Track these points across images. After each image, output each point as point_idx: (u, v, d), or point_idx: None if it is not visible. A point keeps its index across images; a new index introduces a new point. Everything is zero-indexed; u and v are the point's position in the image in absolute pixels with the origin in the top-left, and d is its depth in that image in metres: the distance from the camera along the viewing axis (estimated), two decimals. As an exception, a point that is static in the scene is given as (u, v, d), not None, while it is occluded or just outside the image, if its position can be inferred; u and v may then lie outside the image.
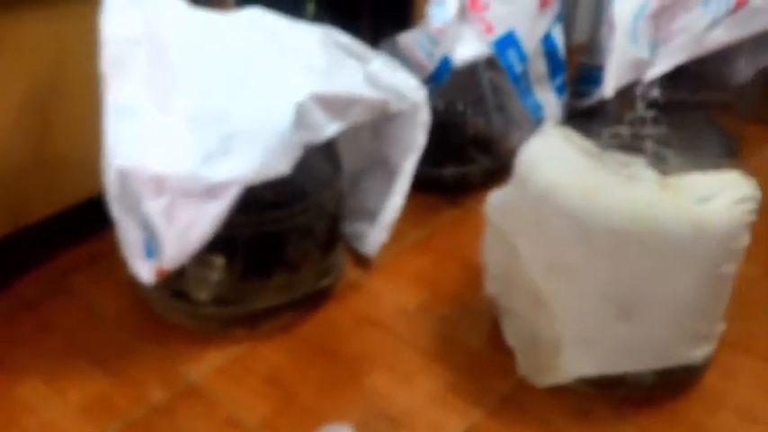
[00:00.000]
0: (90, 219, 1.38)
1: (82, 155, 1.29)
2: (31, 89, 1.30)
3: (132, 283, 1.28)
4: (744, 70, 1.78)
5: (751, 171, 1.13)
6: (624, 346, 1.15)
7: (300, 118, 1.16)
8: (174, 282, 1.28)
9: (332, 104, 1.23)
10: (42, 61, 1.30)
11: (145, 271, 1.21)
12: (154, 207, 1.14)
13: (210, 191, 1.13)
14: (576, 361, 1.17)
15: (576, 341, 1.16)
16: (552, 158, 1.15)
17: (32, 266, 1.46)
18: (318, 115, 1.20)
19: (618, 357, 1.16)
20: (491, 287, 1.33)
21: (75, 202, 1.42)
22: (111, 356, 1.26)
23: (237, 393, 1.21)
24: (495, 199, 1.28)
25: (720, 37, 1.65)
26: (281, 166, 1.16)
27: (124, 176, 1.14)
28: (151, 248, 1.19)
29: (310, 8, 1.67)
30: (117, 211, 1.18)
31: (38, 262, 1.47)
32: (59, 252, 1.49)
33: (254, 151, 1.14)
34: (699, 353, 1.19)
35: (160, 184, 1.13)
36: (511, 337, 1.29)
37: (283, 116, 1.15)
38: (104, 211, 1.19)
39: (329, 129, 1.24)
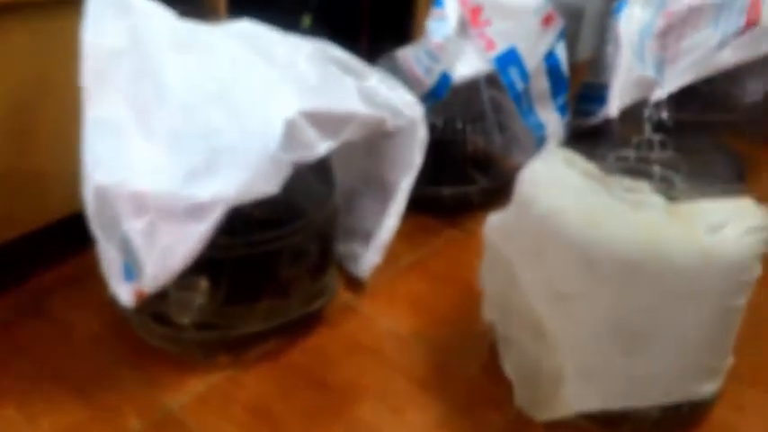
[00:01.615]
0: (70, 237, 1.33)
1: (63, 170, 1.24)
2: (11, 102, 1.25)
3: (113, 304, 1.21)
4: (754, 91, 1.73)
5: (760, 196, 1.08)
6: (629, 381, 1.09)
7: (290, 135, 1.11)
8: (156, 304, 1.22)
9: (324, 122, 1.17)
10: (23, 74, 1.25)
11: (124, 293, 1.16)
12: (134, 226, 1.09)
13: (194, 210, 1.08)
14: (578, 395, 1.11)
15: (578, 374, 1.10)
16: (554, 183, 1.10)
17: (7, 286, 1.40)
18: (309, 133, 1.15)
19: (622, 392, 1.10)
20: (489, 313, 1.28)
21: (55, 220, 1.37)
22: (86, 382, 1.20)
23: (218, 424, 1.14)
24: (495, 221, 1.23)
25: (730, 57, 1.61)
26: (268, 185, 1.11)
27: (103, 194, 1.09)
28: (130, 270, 1.13)
29: (306, 21, 1.62)
30: (96, 229, 1.13)
31: (13, 281, 1.41)
32: (37, 271, 1.43)
33: (241, 170, 1.08)
34: (707, 388, 1.13)
35: (141, 203, 1.08)
36: (509, 366, 1.24)
37: (272, 133, 1.10)
38: (85, 229, 1.14)
39: (321, 147, 1.18)
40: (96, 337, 1.30)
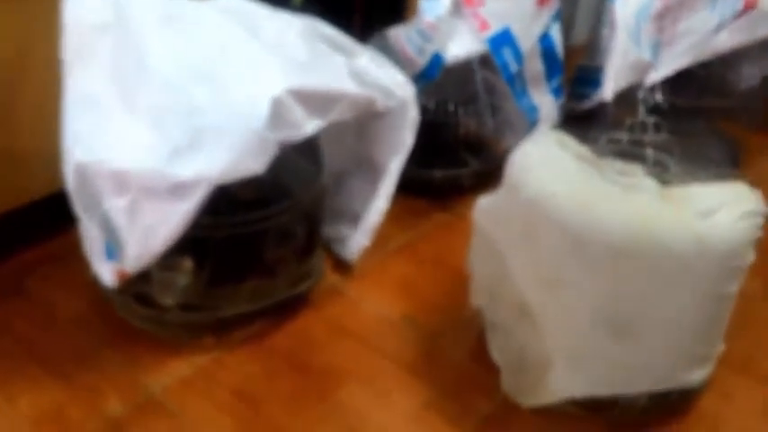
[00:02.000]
0: (53, 215, 1.30)
1: (46, 147, 1.21)
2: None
3: (95, 284, 1.19)
4: (750, 76, 1.71)
5: (753, 181, 1.07)
6: (618, 368, 1.08)
7: (276, 114, 1.08)
8: (139, 285, 1.19)
9: (312, 100, 1.14)
10: (3, 47, 1.21)
11: (106, 273, 1.14)
12: (116, 205, 1.07)
13: (176, 189, 1.06)
14: (566, 381, 1.10)
15: (566, 360, 1.09)
16: (545, 165, 1.08)
17: (-11, 264, 1.38)
18: (296, 111, 1.12)
19: (610, 379, 1.09)
20: (477, 298, 1.26)
21: (38, 197, 1.34)
22: (67, 363, 1.18)
23: (201, 407, 1.13)
24: (484, 204, 1.20)
25: (726, 41, 1.59)
26: (254, 164, 1.08)
27: (84, 172, 1.06)
28: (111, 249, 1.11)
29: (297, -2, 1.59)
30: (77, 207, 1.11)
31: (-5, 259, 1.39)
32: (19, 250, 1.40)
33: (225, 148, 1.06)
34: (697, 375, 1.12)
35: (122, 181, 1.05)
36: (496, 352, 1.22)
37: (257, 111, 1.07)
38: (69, 207, 1.12)
39: (308, 126, 1.15)
40: (79, 317, 1.28)
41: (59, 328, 1.26)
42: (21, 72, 1.25)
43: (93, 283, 1.19)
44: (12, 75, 1.24)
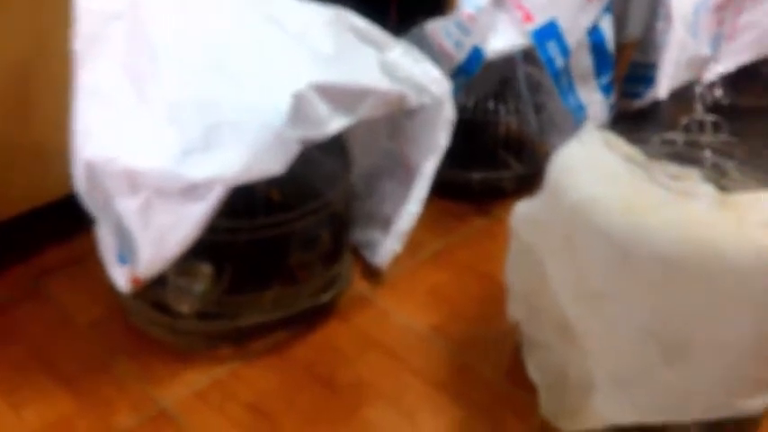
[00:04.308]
0: (72, 216, 1.25)
1: (64, 145, 1.17)
2: (8, 70, 1.17)
3: (112, 289, 1.14)
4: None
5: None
6: (668, 393, 0.98)
7: (298, 110, 1.02)
8: (155, 291, 1.14)
9: (337, 96, 1.07)
10: (21, 39, 1.17)
11: (119, 277, 1.09)
12: (127, 206, 1.01)
13: (191, 190, 1.00)
14: (611, 406, 1.01)
15: (611, 383, 1.00)
16: (590, 167, 0.99)
17: (5, 266, 1.33)
18: (320, 108, 1.05)
19: (660, 405, 1.00)
20: (514, 312, 1.18)
21: (56, 197, 1.29)
22: (78, 372, 1.13)
23: (215, 422, 1.07)
24: (523, 210, 1.12)
25: (794, 35, 1.47)
26: (273, 164, 1.02)
27: (93, 170, 1.01)
28: (124, 253, 1.06)
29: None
30: (88, 208, 1.06)
31: (11, 261, 1.34)
32: (37, 251, 1.36)
33: (243, 146, 1.00)
34: (756, 403, 1.01)
35: (134, 181, 1.00)
36: (534, 371, 1.14)
37: (278, 108, 1.01)
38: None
39: (333, 124, 1.08)
40: (94, 323, 1.23)
41: (73, 334, 1.21)
42: (39, 66, 1.20)
43: (109, 288, 1.14)
44: (29, 69, 1.20)
